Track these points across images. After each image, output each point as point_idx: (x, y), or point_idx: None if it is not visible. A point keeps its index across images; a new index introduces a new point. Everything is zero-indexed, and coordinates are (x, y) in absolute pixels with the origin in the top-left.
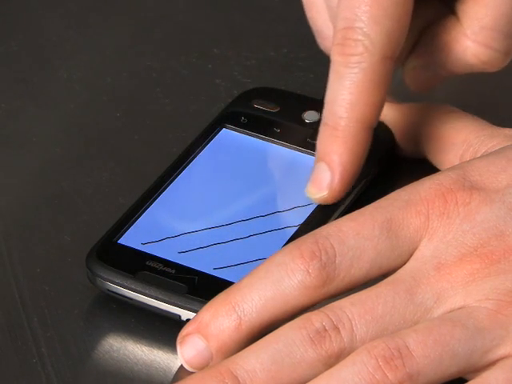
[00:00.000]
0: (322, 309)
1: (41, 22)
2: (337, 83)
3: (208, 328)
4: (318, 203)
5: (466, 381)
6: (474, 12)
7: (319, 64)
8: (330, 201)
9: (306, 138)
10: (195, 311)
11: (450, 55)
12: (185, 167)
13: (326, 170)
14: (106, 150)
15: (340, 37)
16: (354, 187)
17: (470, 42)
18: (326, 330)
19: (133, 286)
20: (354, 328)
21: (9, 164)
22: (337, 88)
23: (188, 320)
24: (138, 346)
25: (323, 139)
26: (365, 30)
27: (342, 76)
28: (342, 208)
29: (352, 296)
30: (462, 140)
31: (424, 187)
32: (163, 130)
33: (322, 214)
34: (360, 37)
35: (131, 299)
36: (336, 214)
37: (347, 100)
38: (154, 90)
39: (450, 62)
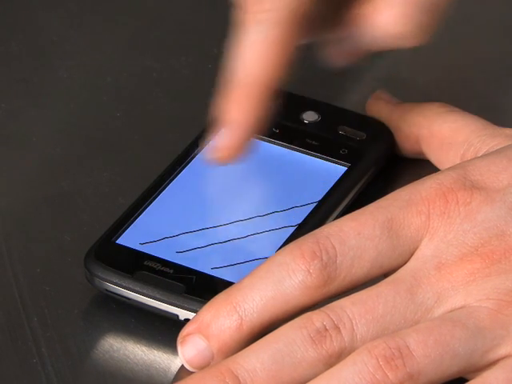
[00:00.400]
0: (322, 308)
1: (41, 22)
2: (243, 40)
3: (209, 328)
4: (219, 162)
5: (466, 381)
6: None
7: (319, 64)
8: (228, 158)
9: (304, 139)
10: (193, 311)
11: (368, 26)
12: (183, 167)
13: (227, 128)
14: (106, 149)
15: None
16: (353, 187)
17: (389, 14)
18: (326, 329)
19: (131, 286)
20: (355, 327)
21: (9, 164)
22: (242, 45)
23: (186, 320)
24: (138, 346)
25: (226, 96)
26: None
27: (249, 33)
28: (341, 208)
29: (353, 295)
30: (462, 139)
31: (425, 187)
32: (163, 130)
33: (321, 214)
34: None
35: (129, 299)
36: (335, 214)
37: (251, 58)
38: (153, 90)
39: (367, 36)
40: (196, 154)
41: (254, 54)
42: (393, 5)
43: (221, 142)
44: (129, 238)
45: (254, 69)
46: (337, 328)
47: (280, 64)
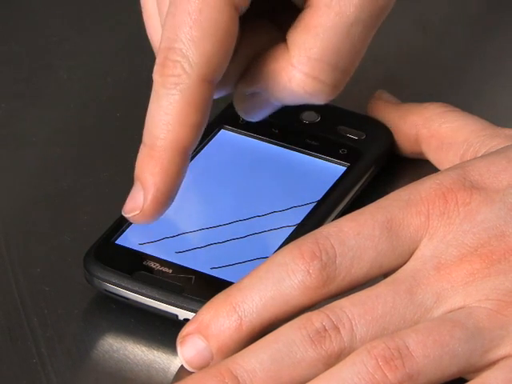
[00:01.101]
0: (322, 309)
1: (41, 22)
2: (155, 103)
3: (208, 328)
4: (133, 222)
5: (466, 381)
6: (302, 41)
7: None
8: (141, 220)
9: (304, 139)
10: (192, 311)
11: (276, 84)
12: None
13: (140, 190)
14: (106, 150)
15: (161, 56)
16: (353, 187)
17: (296, 71)
18: (326, 329)
19: (130, 286)
20: (354, 328)
21: (9, 164)
22: (154, 108)
23: (185, 320)
24: (138, 346)
25: (140, 158)
26: (184, 51)
27: (160, 96)
28: (340, 208)
29: (352, 296)
30: (462, 140)
31: (424, 187)
32: None
33: (320, 214)
34: (179, 58)
35: (128, 299)
36: (334, 214)
37: (163, 121)
38: None
39: (277, 91)
40: (195, 154)
41: (164, 118)
42: (302, 63)
43: (135, 202)
44: (128, 239)
45: (164, 131)
46: (336, 328)
47: (195, 125)
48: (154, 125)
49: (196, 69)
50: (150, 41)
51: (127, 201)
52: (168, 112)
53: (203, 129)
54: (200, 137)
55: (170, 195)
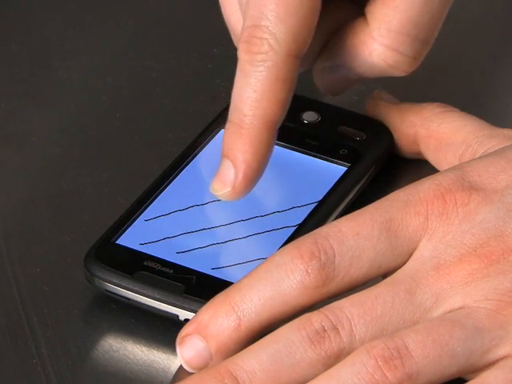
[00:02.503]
0: (321, 309)
1: (41, 22)
2: (242, 81)
3: (207, 328)
4: (222, 199)
5: (466, 381)
6: (381, 14)
7: None
8: (232, 197)
9: (304, 139)
10: (193, 311)
11: (357, 58)
12: (184, 167)
13: (230, 167)
14: (106, 150)
15: (246, 35)
16: (353, 187)
17: (377, 44)
18: (325, 330)
19: (130, 286)
20: (354, 328)
21: (9, 164)
22: (242, 86)
23: (186, 320)
24: (138, 346)
25: (228, 136)
26: (270, 28)
27: (248, 74)
28: (341, 208)
29: (351, 296)
30: (460, 140)
31: (423, 188)
32: (163, 130)
33: (321, 215)
34: (265, 35)
35: (129, 299)
36: (335, 214)
37: (252, 98)
38: (153, 90)
39: (358, 65)
40: (196, 154)
41: (252, 95)
42: (383, 36)
43: (225, 179)
44: (129, 239)
45: (256, 109)
46: (335, 329)
47: (282, 101)
48: (241, 102)
49: (283, 45)
50: (227, 23)
51: (215, 179)
52: (256, 89)
53: (289, 103)
54: (286, 112)
55: (259, 171)
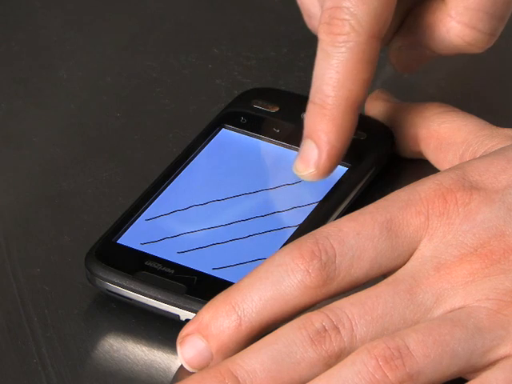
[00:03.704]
0: (321, 309)
1: (41, 22)
2: (324, 62)
3: (208, 328)
4: (306, 180)
5: (466, 381)
6: None
7: None
8: (317, 178)
9: None
10: (194, 311)
11: (434, 36)
12: (184, 167)
13: (314, 148)
14: (106, 150)
15: (327, 16)
16: (354, 187)
17: (455, 22)
18: (325, 330)
19: (132, 286)
20: (354, 328)
21: (9, 164)
22: (324, 67)
23: (187, 320)
24: (138, 346)
25: (311, 117)
26: (352, 9)
27: (329, 55)
28: (341, 208)
29: (352, 296)
30: (461, 140)
31: (424, 187)
32: (163, 129)
33: (321, 214)
34: (347, 16)
35: (130, 299)
36: (336, 214)
37: (334, 79)
38: (154, 90)
39: (435, 43)
40: (196, 154)
41: (334, 75)
42: (460, 14)
43: (309, 160)
44: (130, 238)
45: (339, 90)
46: (336, 328)
47: (365, 81)
48: (324, 83)
49: (365, 26)
50: (300, 4)
51: (298, 160)
52: (339, 70)
53: (370, 83)
54: (368, 92)
55: (342, 151)
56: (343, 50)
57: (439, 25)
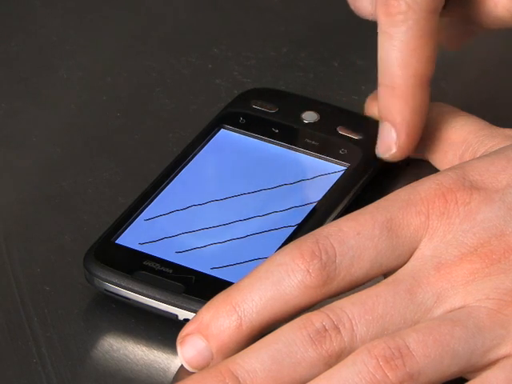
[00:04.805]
0: (322, 309)
1: (41, 22)
2: (387, 43)
3: (208, 328)
4: (389, 160)
5: (466, 381)
6: None
7: (319, 64)
8: (400, 157)
9: (304, 139)
10: (193, 311)
11: (481, 10)
12: (183, 167)
13: (390, 129)
14: (105, 150)
15: None
16: (353, 187)
17: None
18: (326, 329)
19: (130, 286)
20: (355, 328)
21: (9, 164)
22: (387, 48)
23: (186, 320)
24: (138, 346)
25: (383, 99)
26: None
27: (391, 36)
28: (340, 208)
29: (352, 296)
30: (461, 140)
31: (424, 187)
32: (163, 129)
33: (320, 214)
34: None
35: (129, 299)
36: (334, 214)
37: (399, 58)
38: (154, 90)
39: (482, 17)
40: (196, 154)
41: (403, 55)
42: None
43: (389, 142)
44: (128, 238)
45: (407, 69)
46: (336, 328)
47: (430, 56)
48: (390, 64)
49: (420, 3)
50: None
51: (379, 143)
52: (402, 49)
53: (436, 57)
54: (435, 66)
55: (420, 127)
56: (403, 29)
57: None
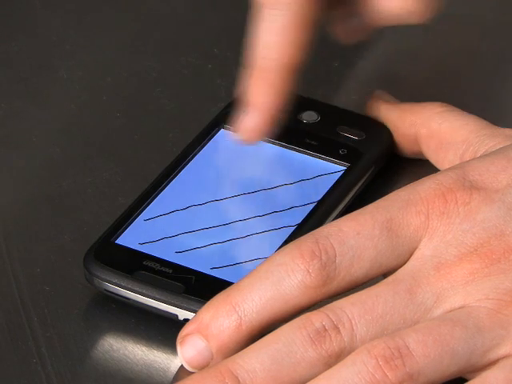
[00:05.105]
0: (321, 309)
1: (41, 22)
2: (263, 26)
3: (208, 328)
4: (247, 141)
5: (466, 381)
6: None
7: (319, 64)
8: (255, 138)
9: (303, 139)
10: (192, 311)
11: (375, 5)
12: (183, 167)
13: (254, 110)
14: (105, 150)
15: None
16: (353, 187)
17: None
18: (326, 329)
19: (130, 286)
20: (354, 328)
21: (9, 164)
22: (263, 31)
23: (185, 320)
24: (138, 346)
25: (251, 80)
26: None
27: (268, 19)
28: (340, 208)
29: (352, 296)
30: (461, 140)
31: (424, 187)
32: (163, 130)
33: (320, 214)
34: None
35: (128, 299)
36: (334, 214)
37: (272, 42)
38: (154, 90)
39: (376, 12)
40: (196, 154)
41: (274, 38)
42: None
43: (246, 123)
44: (128, 238)
45: (274, 52)
46: (336, 328)
47: (299, 45)
48: (263, 46)
49: None
50: None
51: (242, 122)
52: (277, 33)
53: (309, 47)
54: (307, 55)
55: (279, 112)
56: (280, 13)
57: None
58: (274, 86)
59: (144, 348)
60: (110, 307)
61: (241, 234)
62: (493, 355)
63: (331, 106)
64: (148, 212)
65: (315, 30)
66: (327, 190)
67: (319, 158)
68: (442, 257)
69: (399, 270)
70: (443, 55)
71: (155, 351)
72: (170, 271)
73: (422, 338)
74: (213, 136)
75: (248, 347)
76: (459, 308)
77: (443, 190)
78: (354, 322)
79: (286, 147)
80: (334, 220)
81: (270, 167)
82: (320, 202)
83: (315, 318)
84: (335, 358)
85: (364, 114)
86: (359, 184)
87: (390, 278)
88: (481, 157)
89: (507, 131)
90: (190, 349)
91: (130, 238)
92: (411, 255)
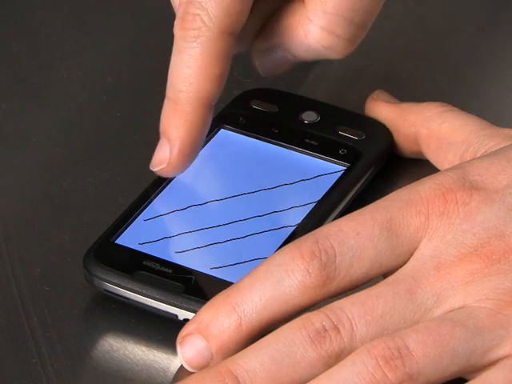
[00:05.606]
0: (321, 309)
1: (41, 22)
2: (176, 57)
3: (208, 328)
4: (160, 175)
5: (466, 381)
6: None
7: (319, 64)
8: (169, 172)
9: (304, 139)
10: (192, 311)
11: (293, 39)
12: None
13: (166, 143)
14: (106, 150)
15: (181, 11)
16: (352, 187)
17: (313, 26)
18: (325, 330)
19: (130, 286)
20: (354, 328)
21: (9, 164)
22: (176, 62)
23: (185, 320)
24: (138, 346)
25: (165, 112)
26: (203, 4)
27: (181, 50)
28: (340, 208)
29: (352, 296)
30: (461, 140)
31: (424, 187)
32: None
33: (320, 214)
34: (198, 11)
35: (128, 299)
36: (334, 214)
37: (186, 74)
38: (154, 90)
39: (294, 46)
40: None
41: (187, 71)
42: (318, 17)
43: (158, 156)
44: (128, 238)
45: (190, 85)
46: (336, 328)
47: (216, 77)
48: (176, 78)
49: (216, 21)
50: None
51: (154, 155)
52: (190, 65)
53: (225, 80)
54: (222, 88)
55: (195, 147)
56: (194, 44)
57: (298, 27)
58: (187, 119)
59: (144, 348)
60: (110, 307)
61: (241, 234)
62: (493, 355)
63: (331, 106)
64: (148, 212)
65: (229, 63)
66: (327, 190)
67: (319, 158)
68: (441, 257)
69: (399, 271)
70: (444, 55)
71: (155, 351)
72: (170, 271)
73: (421, 338)
74: (213, 136)
75: (248, 347)
76: (459, 308)
77: (443, 190)
78: (353, 323)
79: (286, 147)
80: (334, 220)
81: (270, 167)
82: (320, 202)
83: (315, 319)
84: (335, 359)
85: (364, 114)
86: (359, 184)
87: (390, 279)
88: (481, 157)
89: (507, 131)
90: (189, 349)
91: (130, 238)
92: (411, 255)
